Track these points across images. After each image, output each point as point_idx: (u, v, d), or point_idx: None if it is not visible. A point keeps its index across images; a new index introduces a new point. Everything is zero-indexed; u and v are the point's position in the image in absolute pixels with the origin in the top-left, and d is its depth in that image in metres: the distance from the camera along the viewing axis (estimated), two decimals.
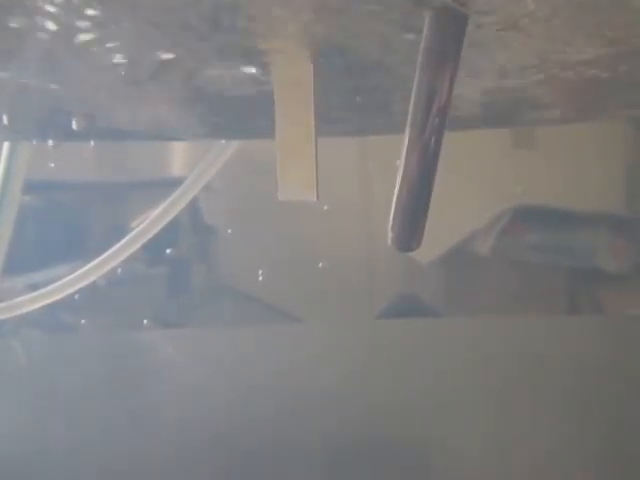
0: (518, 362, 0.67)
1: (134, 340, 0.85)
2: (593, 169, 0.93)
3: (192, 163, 0.74)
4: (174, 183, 0.73)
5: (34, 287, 0.76)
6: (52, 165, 0.82)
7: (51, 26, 0.25)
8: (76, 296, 0.75)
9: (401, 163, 0.28)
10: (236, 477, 0.48)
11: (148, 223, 0.71)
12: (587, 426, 0.54)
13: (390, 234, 0.27)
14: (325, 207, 0.90)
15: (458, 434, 0.53)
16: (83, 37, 0.26)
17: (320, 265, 0.91)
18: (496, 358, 0.70)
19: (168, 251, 0.88)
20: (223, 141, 0.66)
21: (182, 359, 0.78)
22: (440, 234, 0.93)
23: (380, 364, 0.70)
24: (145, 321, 0.87)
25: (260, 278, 0.88)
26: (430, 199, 0.27)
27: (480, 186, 0.93)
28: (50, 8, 0.24)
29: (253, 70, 0.32)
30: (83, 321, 0.86)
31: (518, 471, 0.48)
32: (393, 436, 0.53)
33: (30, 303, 0.74)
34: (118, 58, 0.30)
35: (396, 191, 0.28)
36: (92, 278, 0.74)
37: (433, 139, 0.27)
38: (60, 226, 0.90)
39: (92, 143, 0.71)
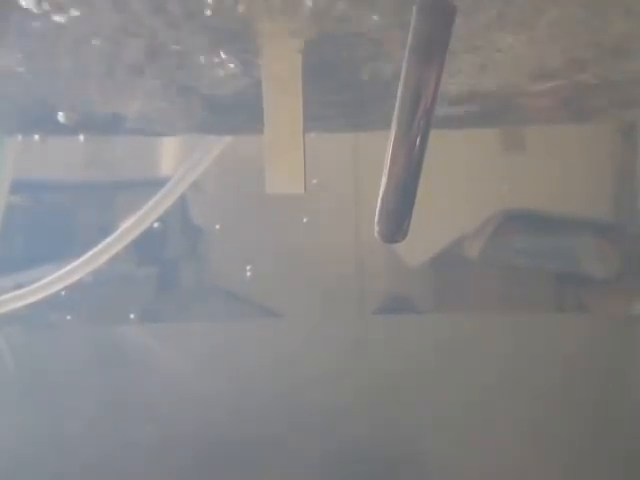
0: (504, 359, 0.68)
1: (120, 335, 0.84)
2: (581, 174, 0.94)
3: (182, 162, 0.74)
4: (164, 182, 0.73)
5: (21, 287, 0.76)
6: (39, 165, 0.82)
7: (36, 14, 0.25)
8: (62, 293, 0.74)
9: (387, 160, 0.28)
10: (222, 470, 0.48)
11: (135, 220, 0.71)
12: (572, 417, 0.55)
13: (376, 227, 0.27)
14: (315, 205, 0.90)
15: (447, 429, 0.53)
16: (68, 25, 0.26)
17: (309, 263, 0.91)
18: (484, 354, 0.70)
19: (155, 248, 0.88)
20: (211, 138, 0.66)
21: (169, 353, 0.78)
22: (429, 237, 0.93)
23: (369, 360, 0.70)
24: (132, 316, 0.87)
25: (248, 274, 0.88)
26: (416, 195, 0.27)
27: (469, 190, 0.94)
28: None
29: (242, 62, 0.32)
30: (69, 317, 0.85)
31: (505, 466, 0.48)
32: (380, 431, 0.53)
33: (15, 301, 0.74)
34: (104, 48, 0.30)
35: (382, 188, 0.28)
36: (78, 276, 0.74)
37: (419, 137, 0.28)
38: (48, 226, 0.90)
39: (81, 140, 0.70)
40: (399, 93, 0.27)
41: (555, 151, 0.91)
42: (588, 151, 0.93)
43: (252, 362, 0.70)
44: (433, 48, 0.26)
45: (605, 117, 0.71)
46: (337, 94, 0.41)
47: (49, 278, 0.74)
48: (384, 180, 0.27)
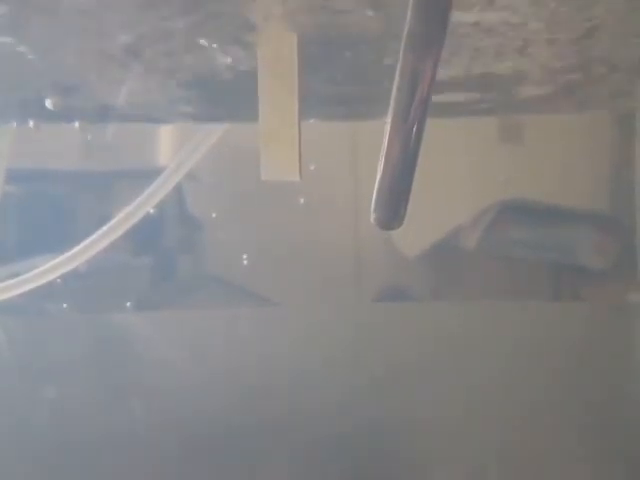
0: (500, 347, 0.69)
1: (116, 323, 0.85)
2: (579, 165, 0.94)
3: (178, 150, 0.74)
4: (160, 170, 0.72)
5: (17, 276, 0.76)
6: (34, 153, 0.81)
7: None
8: (58, 281, 0.74)
9: (384, 148, 0.28)
10: (220, 456, 0.48)
11: (131, 209, 0.71)
12: (569, 402, 0.55)
13: (373, 214, 0.27)
14: (312, 195, 0.90)
15: (446, 416, 0.53)
16: (63, 8, 0.26)
17: (306, 252, 0.91)
18: (480, 342, 0.71)
19: (151, 237, 0.88)
20: (207, 126, 0.66)
21: (166, 342, 0.78)
22: (427, 228, 0.93)
23: (366, 347, 0.70)
24: (128, 304, 0.87)
25: (245, 262, 0.88)
26: (412, 183, 0.27)
27: (467, 181, 0.94)
28: None
29: (238, 47, 0.32)
30: (65, 305, 0.85)
31: (501, 452, 0.48)
32: (374, 417, 0.53)
33: (9, 290, 0.74)
34: (99, 33, 0.30)
35: (378, 175, 0.28)
36: (73, 265, 0.74)
37: (416, 125, 0.27)
38: (42, 215, 0.90)
39: (76, 128, 0.70)
40: (396, 81, 0.27)
41: (552, 142, 0.91)
42: (586, 142, 0.93)
43: (249, 350, 0.70)
44: (429, 41, 0.26)
45: (604, 106, 0.71)
46: (336, 82, 0.41)
47: (44, 267, 0.74)
48: (381, 168, 0.27)
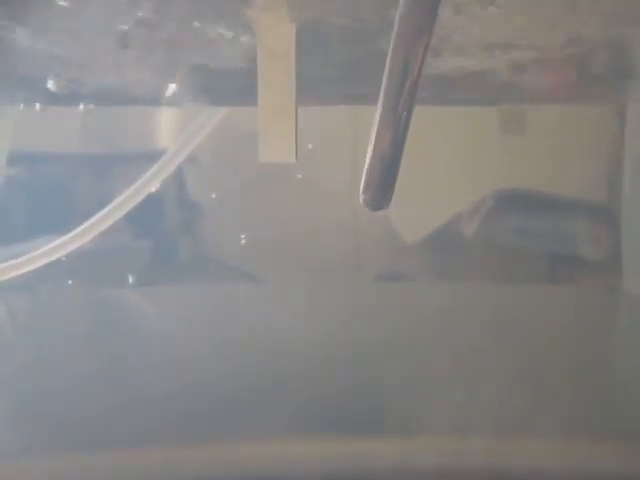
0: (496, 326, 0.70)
1: (117, 299, 0.86)
2: (577, 156, 0.94)
3: (179, 133, 0.74)
4: (162, 153, 0.73)
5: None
6: (37, 136, 0.82)
7: None
8: (63, 259, 0.75)
9: (373, 133, 0.29)
10: (217, 427, 0.49)
11: (132, 191, 0.72)
12: (560, 385, 0.56)
13: (362, 196, 0.28)
14: (311, 176, 0.90)
15: (439, 394, 0.54)
16: None
17: (304, 235, 0.92)
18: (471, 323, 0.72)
19: (152, 218, 0.88)
20: (208, 109, 0.66)
21: (161, 318, 0.79)
22: (425, 216, 0.94)
23: (364, 326, 0.71)
24: (130, 281, 0.88)
25: (243, 242, 0.89)
26: (400, 165, 0.29)
27: (467, 170, 0.94)
28: None
29: (236, 32, 0.33)
30: (70, 282, 0.86)
31: (490, 431, 0.49)
32: (369, 388, 0.54)
33: (12, 269, 0.75)
34: (102, 16, 0.30)
35: (368, 159, 0.29)
36: (75, 246, 0.74)
37: (405, 111, 0.28)
38: (43, 198, 0.90)
39: (79, 111, 0.71)
40: (387, 66, 0.28)
41: (552, 133, 0.91)
42: (585, 133, 0.93)
43: (245, 330, 0.71)
44: (421, 27, 0.27)
45: (604, 99, 0.71)
46: (336, 67, 0.41)
47: (46, 248, 0.74)
48: (370, 152, 0.28)
